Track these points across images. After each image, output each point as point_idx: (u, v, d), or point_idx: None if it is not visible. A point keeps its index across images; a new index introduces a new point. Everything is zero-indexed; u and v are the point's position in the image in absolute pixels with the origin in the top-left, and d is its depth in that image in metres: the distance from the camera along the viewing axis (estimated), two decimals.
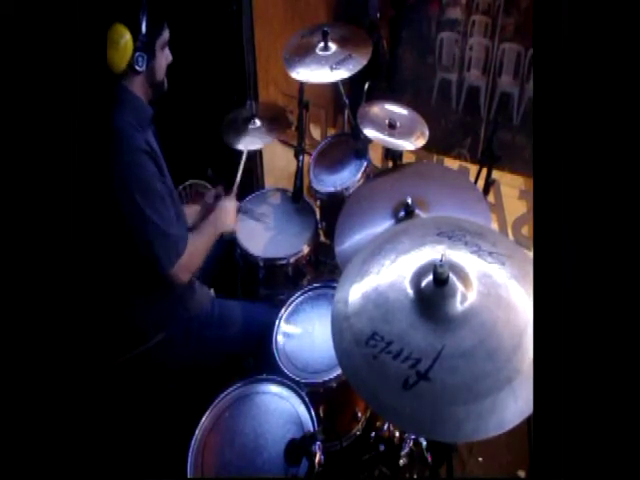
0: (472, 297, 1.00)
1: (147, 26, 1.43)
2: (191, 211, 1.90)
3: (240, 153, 2.00)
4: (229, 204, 1.83)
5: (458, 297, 0.99)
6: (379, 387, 0.94)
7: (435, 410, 0.89)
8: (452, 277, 1.00)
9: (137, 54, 1.44)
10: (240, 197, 2.09)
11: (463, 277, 1.02)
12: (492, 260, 1.06)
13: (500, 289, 1.02)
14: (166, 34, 1.53)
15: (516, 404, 0.88)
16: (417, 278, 1.04)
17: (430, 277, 1.01)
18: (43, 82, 0.89)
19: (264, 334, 1.63)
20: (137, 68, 1.45)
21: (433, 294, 1.00)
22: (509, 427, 0.87)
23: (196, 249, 1.58)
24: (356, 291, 1.08)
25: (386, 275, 1.08)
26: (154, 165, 1.48)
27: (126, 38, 1.40)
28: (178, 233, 1.51)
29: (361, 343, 0.98)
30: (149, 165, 1.47)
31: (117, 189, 1.41)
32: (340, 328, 1.04)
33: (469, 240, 1.10)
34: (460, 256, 1.06)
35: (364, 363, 0.96)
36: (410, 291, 1.03)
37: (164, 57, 1.55)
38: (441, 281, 0.99)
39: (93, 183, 1.40)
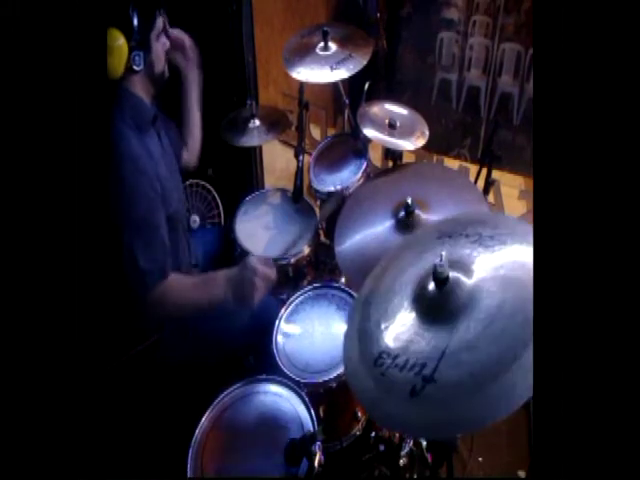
0: (474, 287, 0.99)
1: (139, 22, 1.40)
2: None
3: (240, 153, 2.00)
4: (260, 267, 1.48)
5: (460, 291, 0.99)
6: (388, 402, 0.95)
7: (443, 408, 0.89)
8: (453, 274, 0.99)
9: (133, 54, 1.41)
10: (242, 197, 2.09)
11: (464, 270, 1.01)
12: (494, 243, 1.05)
13: (503, 270, 1.00)
14: (159, 23, 1.48)
15: (525, 380, 0.85)
16: (419, 288, 1.05)
17: (431, 281, 1.01)
18: (41, 88, 0.89)
19: (264, 333, 1.63)
20: (135, 68, 1.43)
21: (435, 296, 1.00)
22: (519, 404, 0.85)
23: (170, 295, 1.46)
24: (364, 325, 1.09)
25: (390, 294, 1.09)
26: (147, 180, 1.43)
27: (120, 42, 1.37)
28: (150, 267, 1.42)
29: (369, 365, 0.99)
30: (142, 182, 1.42)
31: (112, 201, 1.36)
32: (350, 357, 1.06)
33: (470, 232, 1.09)
34: (461, 250, 1.06)
35: (373, 383, 0.98)
36: (414, 304, 1.04)
37: (160, 46, 1.50)
38: (441, 281, 0.99)
39: (91, 189, 1.39)
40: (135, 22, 1.39)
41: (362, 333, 1.08)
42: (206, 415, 1.38)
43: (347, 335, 1.12)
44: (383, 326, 1.05)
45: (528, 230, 1.04)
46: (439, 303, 1.00)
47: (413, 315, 1.02)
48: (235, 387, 1.44)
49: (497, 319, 0.94)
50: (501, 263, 1.02)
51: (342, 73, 1.85)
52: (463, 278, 1.00)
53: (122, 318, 1.58)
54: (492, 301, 0.97)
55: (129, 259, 1.41)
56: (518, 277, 0.98)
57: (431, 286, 1.01)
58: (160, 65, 1.52)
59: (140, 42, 1.42)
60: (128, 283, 1.44)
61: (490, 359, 0.90)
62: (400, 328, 1.02)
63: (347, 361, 1.08)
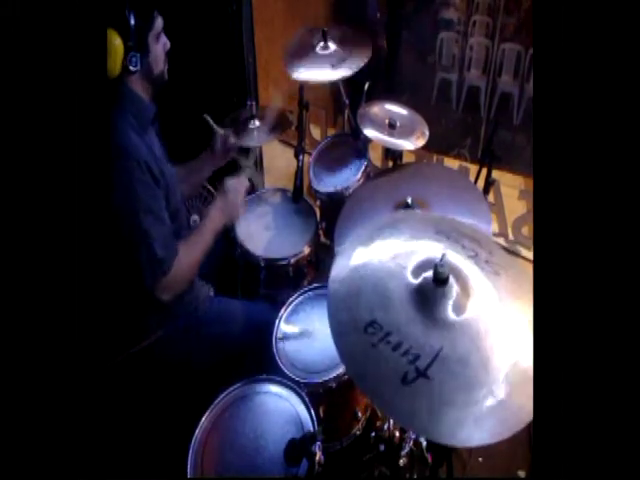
0: (469, 303, 1.00)
1: (136, 24, 1.38)
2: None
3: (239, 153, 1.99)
4: (237, 186, 1.75)
5: (455, 300, 0.99)
6: (378, 378, 0.93)
7: (432, 409, 0.89)
8: (452, 278, 1.00)
9: (130, 54, 1.40)
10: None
11: (462, 280, 1.02)
12: (488, 269, 1.05)
13: (495, 299, 1.01)
14: (158, 23, 1.47)
15: (505, 413, 0.87)
16: (417, 272, 1.04)
17: (430, 274, 1.01)
18: (41, 87, 0.89)
19: (264, 333, 1.63)
20: (131, 69, 1.42)
21: (432, 292, 1.00)
22: (503, 437, 0.86)
23: (184, 267, 1.54)
24: (354, 273, 1.06)
25: (385, 261, 1.07)
26: (152, 176, 1.45)
27: (116, 43, 1.36)
28: (166, 253, 1.48)
29: (360, 329, 0.97)
30: (147, 177, 1.44)
31: (117, 202, 1.39)
32: (337, 309, 1.02)
33: (466, 245, 1.09)
34: (459, 259, 1.06)
35: (362, 351, 0.95)
36: (409, 283, 1.02)
37: (160, 46, 1.49)
38: (441, 281, 0.99)
39: (94, 190, 1.40)
40: (132, 23, 1.38)
41: (352, 287, 1.04)
42: (206, 415, 1.38)
43: (333, 280, 1.06)
44: (375, 292, 1.03)
45: (522, 272, 1.05)
46: (435, 300, 0.99)
47: (408, 298, 1.01)
48: (235, 387, 1.44)
49: (486, 345, 0.95)
50: (494, 293, 1.02)
51: (343, 72, 1.85)
52: (460, 289, 1.00)
53: (123, 315, 1.59)
54: (484, 325, 0.97)
55: (146, 251, 1.44)
56: (507, 315, 0.99)
57: (428, 278, 1.01)
58: (159, 66, 1.51)
59: (137, 43, 1.41)
60: (144, 272, 1.45)
61: (480, 382, 0.91)
62: (393, 304, 1.00)
63: (333, 312, 1.03)
